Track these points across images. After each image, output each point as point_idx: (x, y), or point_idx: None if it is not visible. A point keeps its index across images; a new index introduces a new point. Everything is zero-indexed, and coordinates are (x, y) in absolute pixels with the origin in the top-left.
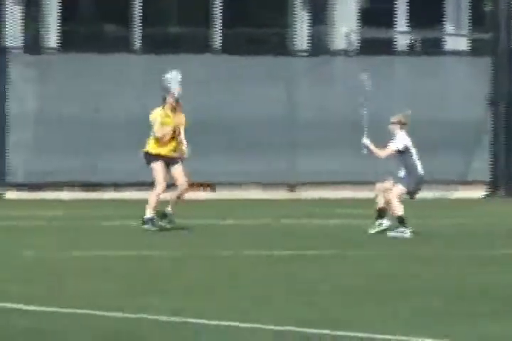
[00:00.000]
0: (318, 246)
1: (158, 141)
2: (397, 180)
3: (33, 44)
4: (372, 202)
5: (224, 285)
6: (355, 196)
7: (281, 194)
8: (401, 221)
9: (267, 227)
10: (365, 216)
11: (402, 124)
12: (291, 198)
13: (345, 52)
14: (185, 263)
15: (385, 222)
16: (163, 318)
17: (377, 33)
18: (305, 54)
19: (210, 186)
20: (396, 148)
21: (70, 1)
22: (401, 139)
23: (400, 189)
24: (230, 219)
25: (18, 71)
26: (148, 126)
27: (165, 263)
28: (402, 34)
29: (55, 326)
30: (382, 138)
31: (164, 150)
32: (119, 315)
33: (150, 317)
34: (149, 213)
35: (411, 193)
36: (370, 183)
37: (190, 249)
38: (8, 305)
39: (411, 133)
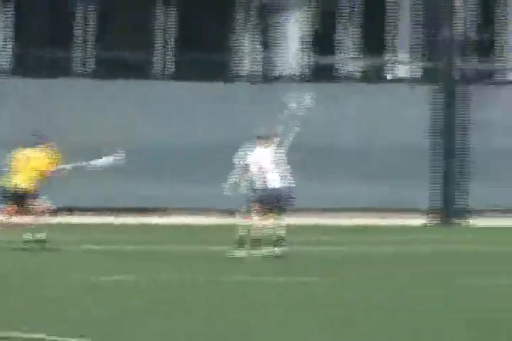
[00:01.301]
0: None
1: None
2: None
3: None
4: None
5: None
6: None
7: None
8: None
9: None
10: None
11: (262, 139)
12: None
13: (291, 78)
14: None
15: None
16: None
17: (324, 60)
18: (249, 80)
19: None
20: (242, 163)
21: (21, 25)
22: (253, 154)
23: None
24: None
25: None
26: None
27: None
28: (349, 61)
29: None
30: (324, 163)
31: None
32: None
33: None
34: None
35: (268, 207)
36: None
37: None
38: None
39: (354, 159)
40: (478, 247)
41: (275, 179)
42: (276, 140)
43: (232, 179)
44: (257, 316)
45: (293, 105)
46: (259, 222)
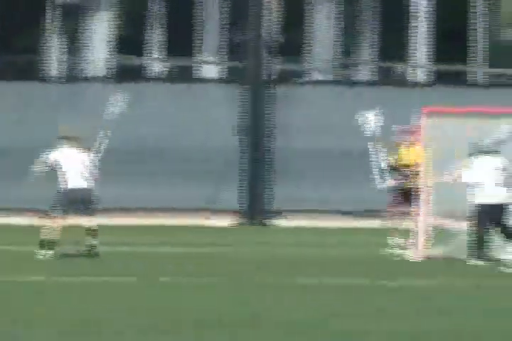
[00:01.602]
0: None
1: None
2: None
3: None
4: None
5: None
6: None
7: None
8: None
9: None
10: None
11: (68, 139)
12: None
13: (102, 79)
14: None
15: None
16: None
17: (132, 60)
18: (60, 81)
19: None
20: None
21: None
22: (58, 153)
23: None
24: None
25: None
26: None
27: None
28: (156, 61)
29: None
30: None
31: None
32: None
33: None
34: None
35: (70, 208)
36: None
37: None
38: None
39: (160, 158)
40: (274, 248)
41: (78, 180)
42: (94, 142)
43: (33, 174)
44: None
45: (110, 108)
46: (55, 223)
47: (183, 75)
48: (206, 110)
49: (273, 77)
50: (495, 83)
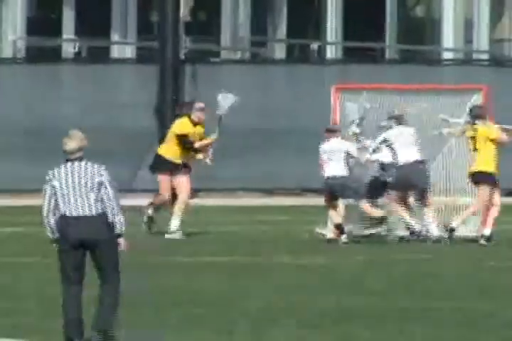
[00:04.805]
0: None
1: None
2: None
3: None
4: None
5: None
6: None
7: None
8: None
9: None
10: None
11: None
12: None
13: (12, 60)
14: None
15: None
16: None
17: (45, 41)
18: None
19: None
20: None
21: None
22: None
23: None
24: None
25: None
26: None
27: None
28: (68, 42)
29: None
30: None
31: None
32: None
33: None
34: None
35: None
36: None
37: None
38: None
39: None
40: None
41: None
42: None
43: None
44: None
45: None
46: None
47: (96, 56)
48: (121, 91)
49: (186, 56)
50: (406, 59)
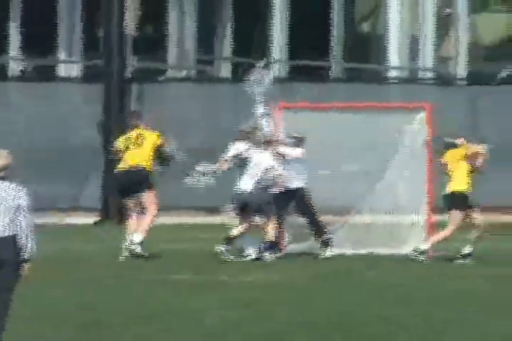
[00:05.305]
0: None
1: None
2: None
3: None
4: None
5: None
6: None
7: None
8: None
9: None
10: None
11: None
12: None
13: None
14: None
15: None
16: None
17: None
18: None
19: None
20: None
21: None
22: None
23: None
24: None
25: None
26: None
27: None
28: (15, 60)
29: None
30: None
31: None
32: None
33: None
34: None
35: None
36: None
37: None
38: None
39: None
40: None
41: None
42: None
43: None
44: None
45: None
46: None
47: (41, 74)
48: (67, 109)
49: (133, 74)
50: (351, 78)
